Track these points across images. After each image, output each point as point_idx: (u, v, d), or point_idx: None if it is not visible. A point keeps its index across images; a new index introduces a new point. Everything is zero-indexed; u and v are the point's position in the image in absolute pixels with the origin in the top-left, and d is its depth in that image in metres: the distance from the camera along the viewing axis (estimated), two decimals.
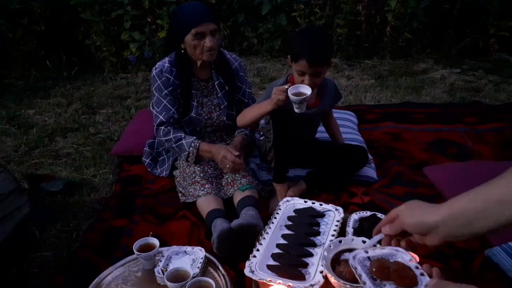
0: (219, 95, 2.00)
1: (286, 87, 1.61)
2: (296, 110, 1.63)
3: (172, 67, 1.92)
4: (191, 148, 1.86)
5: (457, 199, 0.76)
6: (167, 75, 1.91)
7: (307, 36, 1.72)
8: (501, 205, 0.69)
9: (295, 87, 1.62)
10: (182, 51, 1.89)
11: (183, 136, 1.89)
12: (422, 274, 0.76)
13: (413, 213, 0.80)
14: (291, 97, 1.58)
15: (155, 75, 1.92)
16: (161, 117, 1.90)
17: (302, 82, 1.70)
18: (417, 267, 0.79)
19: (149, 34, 3.88)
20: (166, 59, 1.95)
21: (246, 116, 1.82)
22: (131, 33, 3.84)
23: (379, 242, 0.86)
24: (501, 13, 3.90)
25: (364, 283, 0.77)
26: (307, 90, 1.61)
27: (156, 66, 1.94)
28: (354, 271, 0.80)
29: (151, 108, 1.96)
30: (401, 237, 0.85)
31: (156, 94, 1.92)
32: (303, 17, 4.05)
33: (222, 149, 1.80)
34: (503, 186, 0.70)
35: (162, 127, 1.91)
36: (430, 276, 0.76)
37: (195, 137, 1.90)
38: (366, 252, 0.83)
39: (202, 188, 1.81)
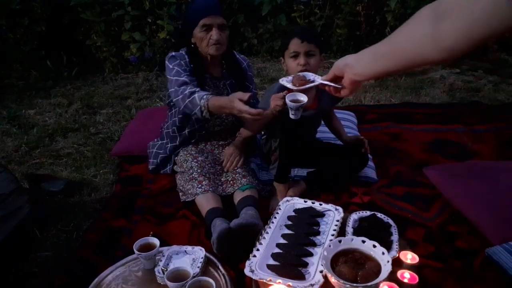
0: (229, 94, 2.00)
1: (283, 94, 1.64)
2: (292, 117, 1.66)
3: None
4: (202, 101, 1.71)
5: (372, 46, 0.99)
6: (184, 62, 1.88)
7: (296, 27, 1.77)
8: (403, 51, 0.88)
9: (292, 95, 1.65)
10: (192, 45, 1.89)
11: (197, 90, 1.77)
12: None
13: (342, 59, 1.12)
14: (288, 103, 1.61)
15: (174, 55, 1.88)
16: (182, 77, 1.81)
17: (297, 65, 1.75)
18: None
19: (149, 35, 3.88)
20: (183, 50, 1.93)
21: (250, 126, 1.88)
22: (131, 33, 3.84)
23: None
24: None
25: None
26: (303, 97, 1.64)
27: (173, 53, 1.91)
28: None
29: (168, 83, 1.87)
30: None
31: (176, 68, 1.84)
32: (303, 17, 4.04)
33: (234, 102, 1.64)
34: (404, 35, 0.87)
35: (182, 87, 1.79)
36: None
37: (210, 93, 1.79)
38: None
39: (200, 185, 1.81)
